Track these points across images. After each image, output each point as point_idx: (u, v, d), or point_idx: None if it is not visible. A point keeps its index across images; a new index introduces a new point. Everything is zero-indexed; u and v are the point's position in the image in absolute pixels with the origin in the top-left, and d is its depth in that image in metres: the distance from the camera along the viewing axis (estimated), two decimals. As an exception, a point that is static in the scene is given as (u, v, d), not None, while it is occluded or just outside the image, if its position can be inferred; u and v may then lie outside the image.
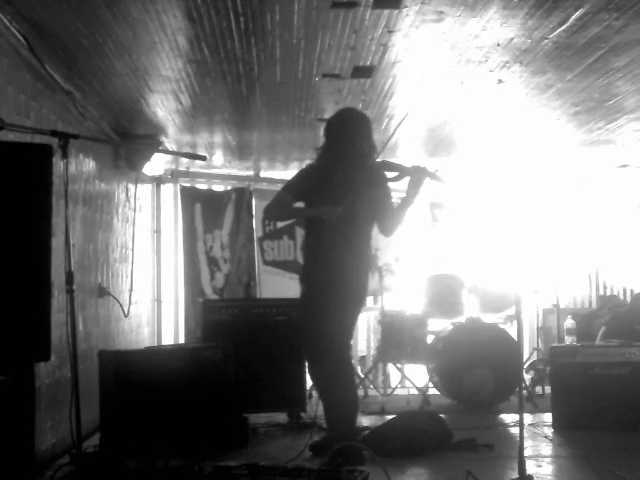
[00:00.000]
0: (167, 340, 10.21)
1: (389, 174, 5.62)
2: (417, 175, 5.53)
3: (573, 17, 5.05)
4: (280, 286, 10.15)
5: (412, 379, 8.71)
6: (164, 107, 7.16)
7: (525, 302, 10.00)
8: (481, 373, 7.95)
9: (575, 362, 6.93)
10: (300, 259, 6.06)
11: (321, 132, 8.01)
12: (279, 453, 5.80)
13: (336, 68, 6.10)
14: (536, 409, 7.79)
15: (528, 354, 10.02)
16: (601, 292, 11.54)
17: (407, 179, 5.60)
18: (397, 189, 5.79)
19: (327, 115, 7.40)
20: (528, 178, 10.73)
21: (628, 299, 10.59)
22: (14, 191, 3.86)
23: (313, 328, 5.48)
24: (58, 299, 5.25)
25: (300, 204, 5.63)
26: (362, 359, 11.29)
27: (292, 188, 5.56)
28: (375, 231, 5.76)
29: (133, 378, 5.89)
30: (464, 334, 8.30)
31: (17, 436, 3.94)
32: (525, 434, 4.79)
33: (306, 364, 5.81)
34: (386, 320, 8.70)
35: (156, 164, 9.75)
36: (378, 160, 5.65)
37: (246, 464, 4.95)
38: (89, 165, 6.98)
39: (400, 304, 10.07)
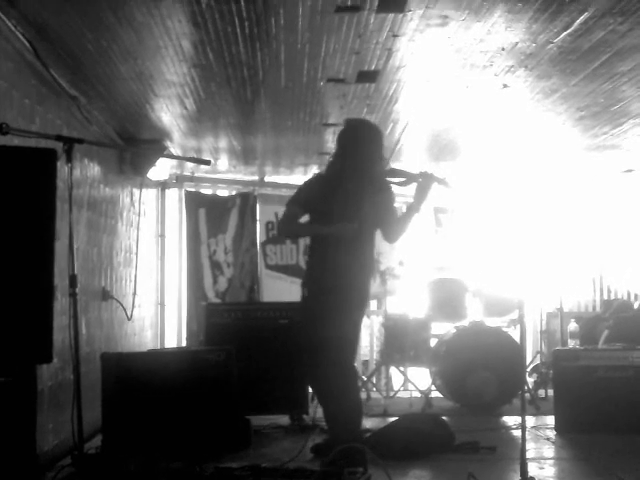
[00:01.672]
0: (170, 343, 10.24)
1: (396, 180, 5.61)
2: (425, 181, 5.52)
3: (578, 21, 5.06)
4: (282, 290, 10.15)
5: (415, 382, 8.71)
6: (169, 112, 7.17)
7: (529, 306, 10.01)
8: (484, 376, 7.96)
9: (578, 365, 6.94)
10: (302, 263, 6.07)
11: (326, 137, 8.12)
12: (281, 455, 5.81)
13: (341, 72, 6.11)
14: (539, 412, 7.81)
15: (531, 357, 10.03)
16: (605, 296, 11.52)
17: (414, 185, 5.60)
18: (403, 194, 5.79)
19: (332, 120, 7.45)
20: (533, 183, 10.72)
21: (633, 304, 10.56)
22: (19, 195, 3.89)
23: (314, 332, 5.48)
24: (61, 302, 5.27)
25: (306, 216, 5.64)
26: (365, 362, 11.29)
27: (299, 200, 5.57)
28: (378, 236, 5.77)
29: (135, 381, 5.90)
30: (467, 337, 8.31)
31: (19, 437, 3.95)
32: (527, 436, 4.81)
33: (303, 368, 5.76)
34: (389, 323, 8.72)
35: (161, 169, 9.79)
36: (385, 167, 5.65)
37: (248, 465, 4.97)
38: (94, 169, 7.00)
39: (403, 308, 10.08)
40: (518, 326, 8.09)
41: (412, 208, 5.59)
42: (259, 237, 10.54)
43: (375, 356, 10.90)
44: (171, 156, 9.16)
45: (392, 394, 9.01)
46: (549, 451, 6.37)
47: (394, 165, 5.77)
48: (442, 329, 9.02)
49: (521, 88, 6.53)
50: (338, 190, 5.44)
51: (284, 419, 7.20)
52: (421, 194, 5.53)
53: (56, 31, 5.11)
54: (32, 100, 5.37)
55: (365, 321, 10.44)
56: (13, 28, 4.87)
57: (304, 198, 5.55)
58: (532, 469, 5.02)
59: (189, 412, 5.93)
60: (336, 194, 5.42)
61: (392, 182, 5.69)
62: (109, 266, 7.54)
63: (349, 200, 5.40)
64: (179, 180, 10.36)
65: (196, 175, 10.39)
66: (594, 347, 7.67)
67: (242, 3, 4.71)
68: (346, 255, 5.44)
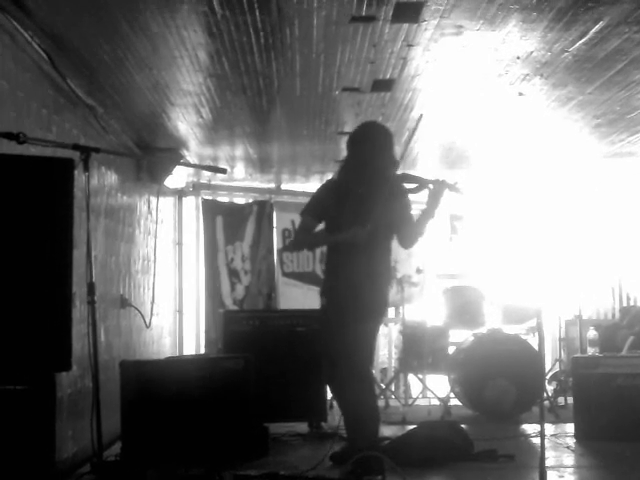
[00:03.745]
0: (188, 351, 10.26)
1: (408, 186, 5.60)
2: (437, 187, 5.47)
3: (593, 30, 5.06)
4: (298, 297, 10.18)
5: (433, 389, 8.70)
6: (185, 121, 7.21)
7: (547, 313, 9.98)
8: (502, 384, 7.93)
9: (598, 373, 6.90)
10: (318, 271, 6.05)
11: (342, 145, 8.10)
12: (299, 463, 5.79)
13: (356, 82, 6.13)
14: (558, 420, 7.77)
15: (550, 365, 9.99)
16: (624, 303, 11.46)
17: (426, 191, 5.59)
18: (417, 201, 5.78)
19: (347, 128, 7.45)
20: (550, 190, 10.70)
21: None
22: (36, 204, 3.91)
23: (333, 341, 5.48)
24: (80, 310, 5.30)
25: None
26: (383, 370, 11.28)
27: (311, 210, 5.52)
28: (395, 243, 5.75)
29: (154, 388, 5.90)
30: (485, 345, 8.28)
31: (38, 445, 3.97)
32: (547, 445, 4.79)
33: (325, 376, 5.78)
34: (407, 331, 8.72)
35: (178, 177, 9.83)
36: (398, 172, 5.62)
37: (266, 473, 4.99)
38: (111, 178, 7.04)
39: (421, 315, 10.08)
40: (537, 334, 8.07)
41: (425, 215, 5.55)
42: (275, 245, 10.58)
43: (393, 364, 10.89)
44: (187, 164, 9.21)
45: (410, 402, 9.00)
46: (569, 459, 6.32)
47: (407, 171, 5.74)
48: (460, 337, 9.00)
49: (537, 96, 6.53)
50: (349, 195, 5.42)
51: (302, 427, 7.21)
52: (433, 201, 5.48)
53: (72, 42, 5.15)
54: (49, 110, 5.41)
55: (383, 329, 10.44)
56: (30, 39, 4.91)
57: (316, 206, 5.51)
58: (551, 478, 5.00)
59: (208, 419, 5.93)
60: (347, 199, 5.41)
61: None
62: (127, 274, 7.57)
63: (360, 205, 5.37)
64: (196, 188, 10.41)
65: (213, 183, 10.43)
66: (614, 354, 7.63)
67: (257, 14, 4.75)
68: (360, 262, 5.40)
